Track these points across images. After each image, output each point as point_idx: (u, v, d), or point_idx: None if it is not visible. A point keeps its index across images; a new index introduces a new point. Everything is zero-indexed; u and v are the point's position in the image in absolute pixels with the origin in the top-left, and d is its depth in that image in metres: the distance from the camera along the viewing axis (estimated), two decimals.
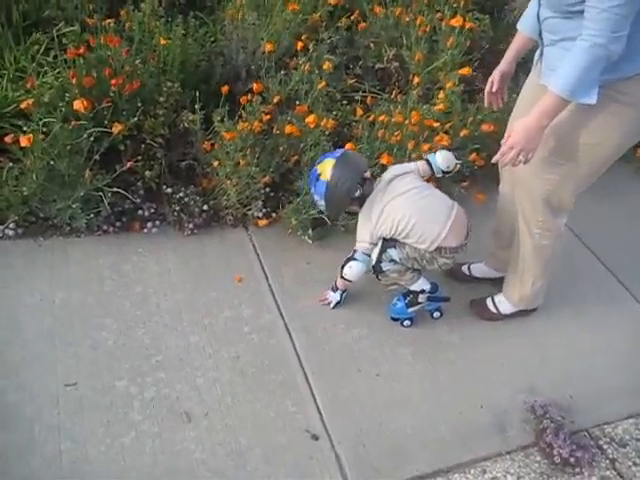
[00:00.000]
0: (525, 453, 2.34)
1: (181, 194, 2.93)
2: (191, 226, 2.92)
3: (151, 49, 3.16)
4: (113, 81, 2.82)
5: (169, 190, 2.95)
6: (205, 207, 2.95)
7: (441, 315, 2.75)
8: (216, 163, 2.89)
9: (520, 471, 2.27)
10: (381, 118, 3.04)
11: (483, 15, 3.76)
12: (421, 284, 2.61)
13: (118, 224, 2.90)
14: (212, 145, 2.94)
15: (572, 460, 2.28)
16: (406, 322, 2.70)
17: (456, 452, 2.30)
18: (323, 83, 3.03)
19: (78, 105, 2.70)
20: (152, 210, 2.95)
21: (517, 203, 2.48)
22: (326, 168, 2.48)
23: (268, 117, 2.93)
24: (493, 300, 2.78)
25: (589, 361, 2.67)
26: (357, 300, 2.78)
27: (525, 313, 2.79)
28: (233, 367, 2.45)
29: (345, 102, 3.30)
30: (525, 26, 2.36)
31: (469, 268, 2.94)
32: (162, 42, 3.07)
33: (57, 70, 3.05)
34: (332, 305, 2.72)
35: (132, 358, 2.42)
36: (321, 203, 2.55)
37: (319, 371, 2.48)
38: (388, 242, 2.48)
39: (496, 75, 2.48)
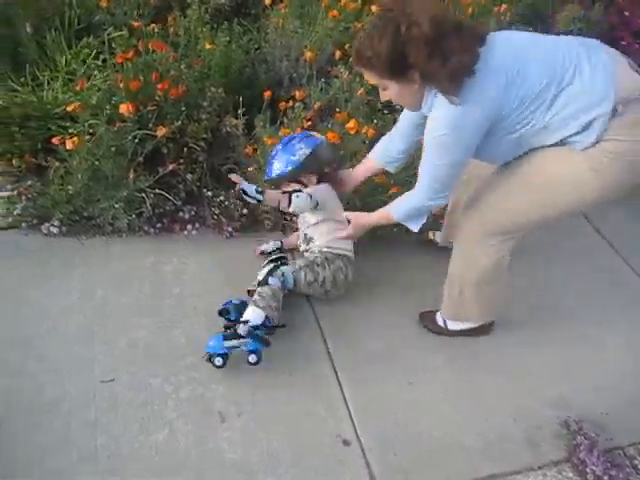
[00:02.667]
0: (557, 469, 2.31)
1: (221, 197, 2.98)
2: (230, 229, 2.97)
3: (196, 54, 3.22)
4: (159, 85, 2.89)
5: (210, 193, 3.00)
6: (244, 211, 3.00)
7: (258, 361, 2.41)
8: (257, 168, 2.92)
9: None
10: None
11: (528, 27, 3.76)
12: (254, 314, 2.44)
13: (159, 225, 2.95)
14: (254, 150, 2.98)
15: (606, 478, 2.25)
16: (217, 360, 2.38)
17: (487, 464, 2.29)
18: (362, 90, 3.05)
19: (124, 109, 2.77)
20: (192, 212, 3.00)
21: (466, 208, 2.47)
22: (321, 135, 2.77)
23: (309, 124, 2.96)
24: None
25: (625, 377, 2.64)
26: (391, 308, 2.79)
27: (473, 332, 2.71)
28: (267, 370, 2.46)
29: (386, 112, 3.31)
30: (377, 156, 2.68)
31: (434, 234, 3.08)
32: (207, 46, 3.12)
33: (106, 73, 3.13)
34: (238, 187, 2.52)
35: (168, 357, 2.46)
36: (304, 152, 2.66)
37: (352, 377, 2.49)
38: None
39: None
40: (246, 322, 2.41)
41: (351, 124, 2.87)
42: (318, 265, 2.67)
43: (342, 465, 2.22)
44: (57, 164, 2.81)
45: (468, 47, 1.95)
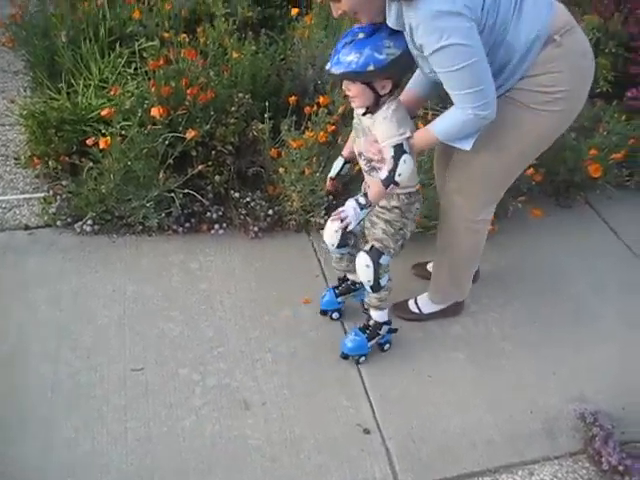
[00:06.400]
0: (573, 459, 2.35)
1: (248, 199, 3.08)
2: (256, 229, 3.06)
3: (224, 63, 3.34)
4: (189, 91, 3.01)
5: (236, 195, 3.10)
6: (270, 212, 3.09)
7: (390, 347, 2.64)
8: (282, 170, 3.02)
9: (568, 476, 2.29)
10: None
11: None
12: (384, 315, 2.54)
13: (187, 225, 3.06)
14: (279, 153, 3.08)
15: (621, 468, 2.27)
16: (362, 359, 2.57)
17: (505, 454, 2.33)
18: None
19: (155, 112, 2.89)
20: (220, 213, 3.10)
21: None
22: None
23: (333, 128, 3.06)
24: (415, 300, 2.80)
25: None
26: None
27: (447, 313, 2.80)
28: (291, 361, 2.55)
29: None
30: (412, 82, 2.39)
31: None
32: (234, 55, 3.25)
33: (137, 81, 3.26)
34: (352, 226, 2.25)
35: (196, 348, 2.56)
36: (393, 53, 2.03)
37: (373, 369, 2.56)
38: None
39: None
40: (388, 323, 2.56)
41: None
42: (400, 229, 2.37)
43: (362, 452, 2.28)
44: (91, 164, 2.93)
45: None
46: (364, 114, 2.18)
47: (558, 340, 2.77)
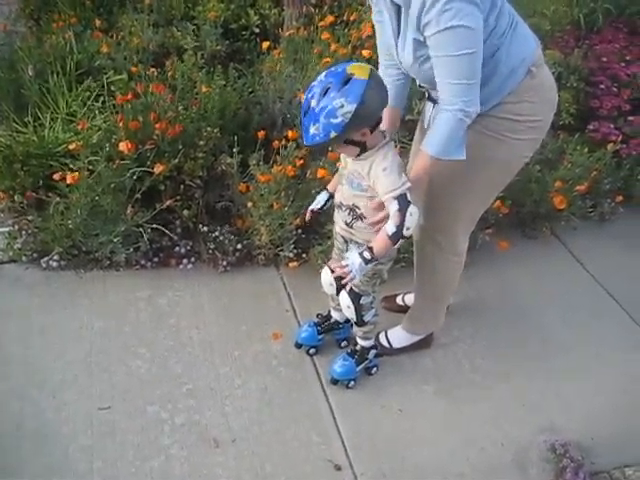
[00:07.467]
0: None
1: (216, 233, 3.07)
2: (225, 264, 3.05)
3: (193, 97, 3.35)
4: (157, 125, 3.01)
5: (205, 229, 3.08)
6: (239, 246, 3.07)
7: (377, 370, 2.69)
8: (250, 204, 3.02)
9: None
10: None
11: None
12: (370, 342, 2.60)
13: (155, 259, 3.04)
14: (247, 187, 3.08)
15: None
16: (351, 383, 2.60)
17: None
18: None
19: (123, 147, 2.88)
20: (188, 247, 3.08)
21: None
22: (362, 70, 1.98)
23: (301, 162, 3.07)
24: (386, 334, 2.79)
25: (612, 403, 2.68)
26: None
27: (418, 346, 2.79)
28: (261, 398, 2.53)
29: None
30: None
31: (403, 299, 2.98)
32: (203, 90, 3.26)
33: (105, 114, 3.25)
34: (356, 280, 2.19)
35: (164, 385, 2.52)
36: (348, 111, 1.94)
37: (344, 405, 2.54)
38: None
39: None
40: (374, 347, 2.63)
41: (342, 163, 2.97)
42: (374, 274, 2.35)
43: None
44: (57, 199, 2.90)
45: None
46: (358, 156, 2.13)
47: (528, 371, 2.78)
